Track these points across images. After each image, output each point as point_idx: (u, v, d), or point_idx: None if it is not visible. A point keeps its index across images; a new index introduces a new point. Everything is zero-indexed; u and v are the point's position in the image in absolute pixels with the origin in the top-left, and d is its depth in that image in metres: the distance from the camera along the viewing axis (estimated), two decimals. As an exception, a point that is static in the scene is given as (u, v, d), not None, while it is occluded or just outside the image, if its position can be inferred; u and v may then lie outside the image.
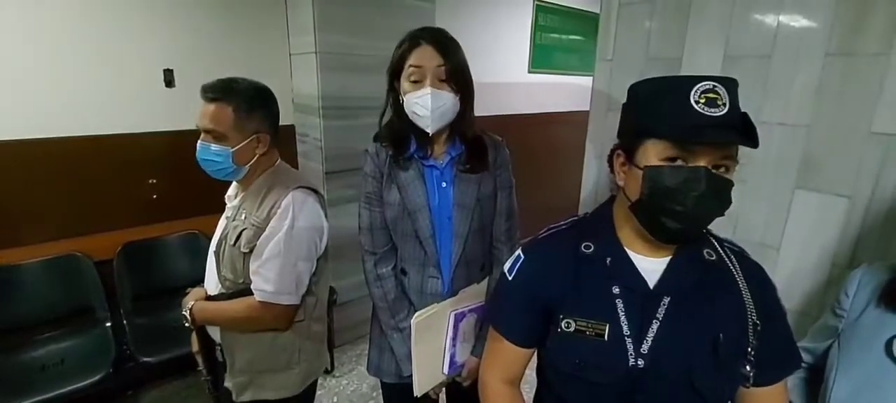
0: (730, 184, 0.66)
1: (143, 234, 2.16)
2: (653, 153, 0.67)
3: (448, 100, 1.07)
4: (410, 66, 1.06)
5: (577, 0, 3.88)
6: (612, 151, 0.77)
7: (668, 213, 0.66)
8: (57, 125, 1.90)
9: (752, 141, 0.62)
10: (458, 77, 1.08)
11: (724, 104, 0.63)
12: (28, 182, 1.88)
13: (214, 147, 1.09)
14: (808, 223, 1.19)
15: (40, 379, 1.69)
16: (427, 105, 1.05)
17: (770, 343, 0.73)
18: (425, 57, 1.05)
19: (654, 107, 0.67)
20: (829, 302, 0.96)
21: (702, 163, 0.64)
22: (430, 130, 1.08)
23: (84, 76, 1.92)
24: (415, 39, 1.07)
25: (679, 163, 0.65)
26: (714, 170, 0.64)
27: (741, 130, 0.63)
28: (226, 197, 1.25)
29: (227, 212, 1.21)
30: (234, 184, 1.22)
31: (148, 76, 2.06)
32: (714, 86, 0.63)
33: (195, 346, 1.30)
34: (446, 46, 1.07)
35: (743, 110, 0.65)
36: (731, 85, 0.64)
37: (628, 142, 0.72)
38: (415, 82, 1.06)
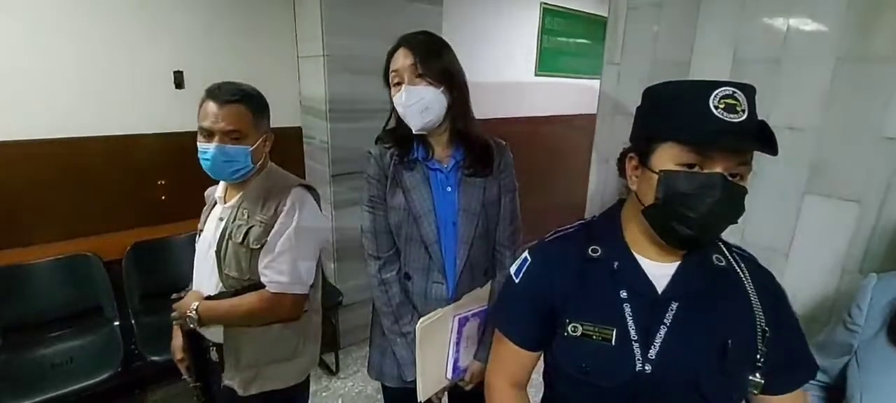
0: (744, 191, 0.66)
1: (151, 234, 2.17)
2: (668, 157, 0.66)
3: (426, 95, 1.07)
4: (391, 71, 1.10)
5: (583, 3, 3.88)
6: (624, 155, 0.77)
7: (681, 219, 0.66)
8: (67, 126, 1.92)
9: (772, 148, 0.61)
10: (433, 72, 1.07)
11: (743, 110, 0.62)
12: (39, 182, 1.91)
13: (233, 147, 1.12)
14: (817, 228, 1.18)
15: (50, 377, 1.70)
16: (403, 102, 1.07)
17: (782, 351, 0.72)
18: (400, 60, 1.08)
19: (672, 110, 0.67)
20: (840, 314, 0.94)
21: (718, 168, 0.63)
22: (414, 128, 1.09)
23: (95, 77, 1.94)
24: (395, 46, 1.11)
25: (695, 168, 0.64)
26: (730, 177, 0.64)
27: (758, 137, 0.63)
28: (216, 198, 1.26)
29: (220, 213, 1.22)
30: (222, 185, 1.25)
31: (158, 78, 2.08)
32: (733, 92, 0.63)
33: (179, 354, 1.30)
34: (419, 46, 1.08)
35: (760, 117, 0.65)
36: (749, 91, 0.64)
37: (642, 146, 0.71)
38: (396, 85, 1.09)
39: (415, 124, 1.08)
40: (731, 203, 0.65)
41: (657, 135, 0.68)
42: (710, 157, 0.63)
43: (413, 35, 1.12)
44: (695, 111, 0.63)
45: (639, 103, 0.76)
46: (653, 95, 0.73)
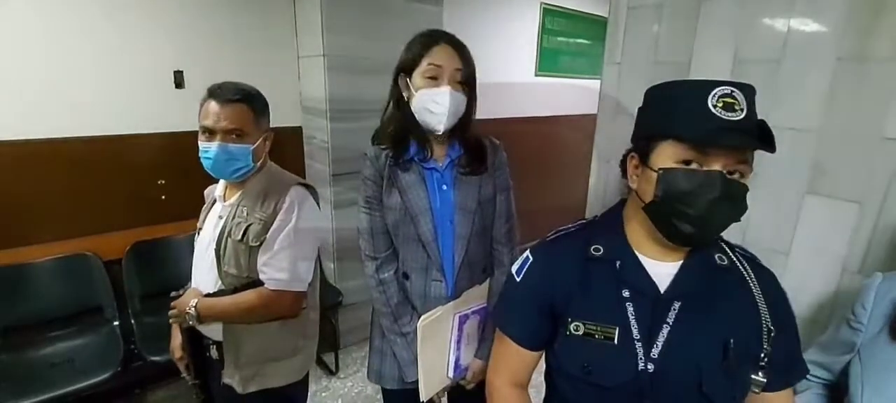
0: (745, 189, 0.66)
1: (151, 234, 2.18)
2: (668, 155, 0.67)
3: (462, 103, 1.10)
4: (429, 63, 1.06)
5: (583, 3, 3.88)
6: (626, 155, 0.77)
7: (681, 216, 0.66)
8: (68, 125, 1.92)
9: (770, 146, 0.61)
10: (470, 82, 1.11)
11: (741, 109, 0.63)
12: (39, 181, 1.90)
13: (235, 146, 1.13)
14: (818, 228, 1.18)
15: (50, 377, 1.70)
16: (445, 103, 1.06)
17: (780, 351, 0.72)
18: (446, 57, 1.07)
19: (671, 109, 0.67)
20: (842, 313, 0.94)
21: (717, 167, 0.64)
22: (440, 128, 1.08)
23: (95, 77, 1.94)
24: (434, 38, 1.08)
25: (694, 166, 0.65)
26: (729, 175, 0.64)
27: (757, 136, 0.63)
28: (215, 196, 1.26)
29: (220, 212, 1.23)
30: (221, 184, 1.25)
31: (158, 77, 2.08)
32: (732, 91, 0.63)
33: (178, 352, 1.31)
34: (464, 52, 1.10)
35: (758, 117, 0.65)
36: (748, 90, 0.65)
37: (643, 145, 0.72)
38: (431, 79, 1.07)
39: (442, 126, 1.08)
40: (731, 200, 0.65)
41: (657, 133, 0.69)
42: (708, 155, 0.64)
43: (455, 36, 1.11)
44: (694, 109, 0.64)
45: (639, 103, 0.76)
46: (653, 95, 0.73)
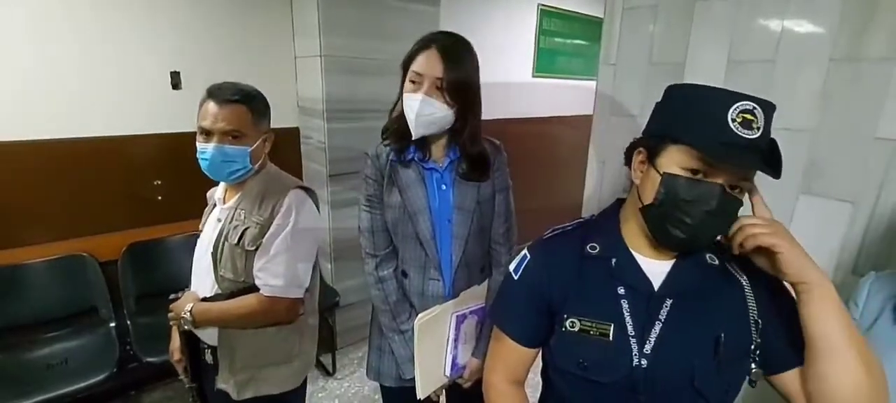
0: (740, 204, 0.67)
1: (147, 235, 2.17)
2: (676, 160, 0.67)
3: (438, 111, 1.06)
4: (412, 69, 1.07)
5: (580, 4, 3.89)
6: (634, 147, 0.77)
7: (675, 223, 0.67)
8: (64, 126, 1.91)
9: (776, 171, 0.62)
10: (456, 90, 1.06)
11: (759, 128, 0.63)
12: (35, 182, 1.90)
13: (231, 148, 1.11)
14: (811, 228, 1.18)
15: (45, 378, 1.70)
16: (414, 109, 1.05)
17: (784, 331, 0.70)
18: (428, 64, 1.05)
19: (690, 114, 0.67)
20: None
21: (721, 180, 0.65)
22: (413, 134, 1.09)
23: (92, 78, 1.93)
24: (425, 43, 1.07)
25: (699, 176, 0.66)
26: (730, 190, 0.65)
27: (765, 158, 0.64)
28: (215, 199, 1.26)
29: (219, 215, 1.22)
30: (221, 186, 1.24)
31: (155, 78, 2.08)
32: (754, 108, 0.63)
33: (177, 355, 1.30)
34: (453, 57, 1.05)
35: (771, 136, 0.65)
36: (769, 109, 0.64)
37: (653, 142, 0.72)
38: (413, 83, 1.07)
39: (415, 132, 1.08)
40: (724, 214, 0.67)
41: (669, 134, 0.69)
42: (715, 168, 0.65)
43: (448, 40, 1.08)
44: (711, 120, 0.64)
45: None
46: (674, 95, 0.73)
